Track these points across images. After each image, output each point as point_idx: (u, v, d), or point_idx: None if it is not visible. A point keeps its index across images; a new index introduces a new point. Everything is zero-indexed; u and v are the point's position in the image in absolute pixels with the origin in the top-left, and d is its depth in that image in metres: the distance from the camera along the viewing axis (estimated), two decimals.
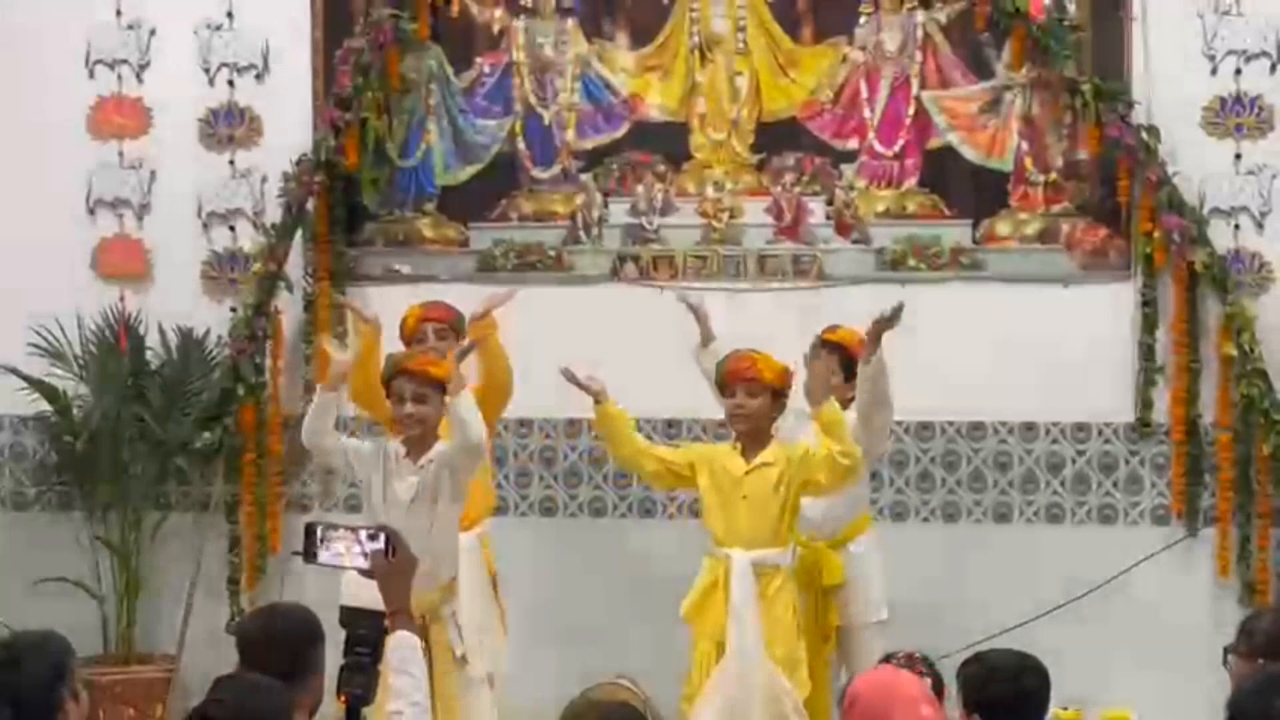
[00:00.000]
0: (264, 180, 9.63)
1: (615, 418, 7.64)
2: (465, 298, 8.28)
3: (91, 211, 9.78)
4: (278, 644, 5.02)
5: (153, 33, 9.76)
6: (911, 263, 9.25)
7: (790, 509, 7.49)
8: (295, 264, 9.55)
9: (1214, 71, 9.12)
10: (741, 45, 9.44)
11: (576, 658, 8.66)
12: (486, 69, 9.63)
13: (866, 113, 9.37)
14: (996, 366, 9.08)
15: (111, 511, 9.44)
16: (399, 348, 7.89)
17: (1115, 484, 9.22)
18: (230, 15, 9.69)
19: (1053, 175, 9.26)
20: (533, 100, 9.58)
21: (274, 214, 9.54)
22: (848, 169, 9.40)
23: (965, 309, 9.13)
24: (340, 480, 9.33)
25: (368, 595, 5.09)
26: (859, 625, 7.88)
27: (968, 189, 9.35)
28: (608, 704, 4.69)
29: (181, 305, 9.64)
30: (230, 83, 9.72)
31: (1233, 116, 9.10)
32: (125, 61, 9.78)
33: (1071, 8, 9.15)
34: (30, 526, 9.72)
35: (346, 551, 5.03)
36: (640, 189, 9.51)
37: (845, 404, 7.62)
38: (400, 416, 7.31)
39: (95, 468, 9.41)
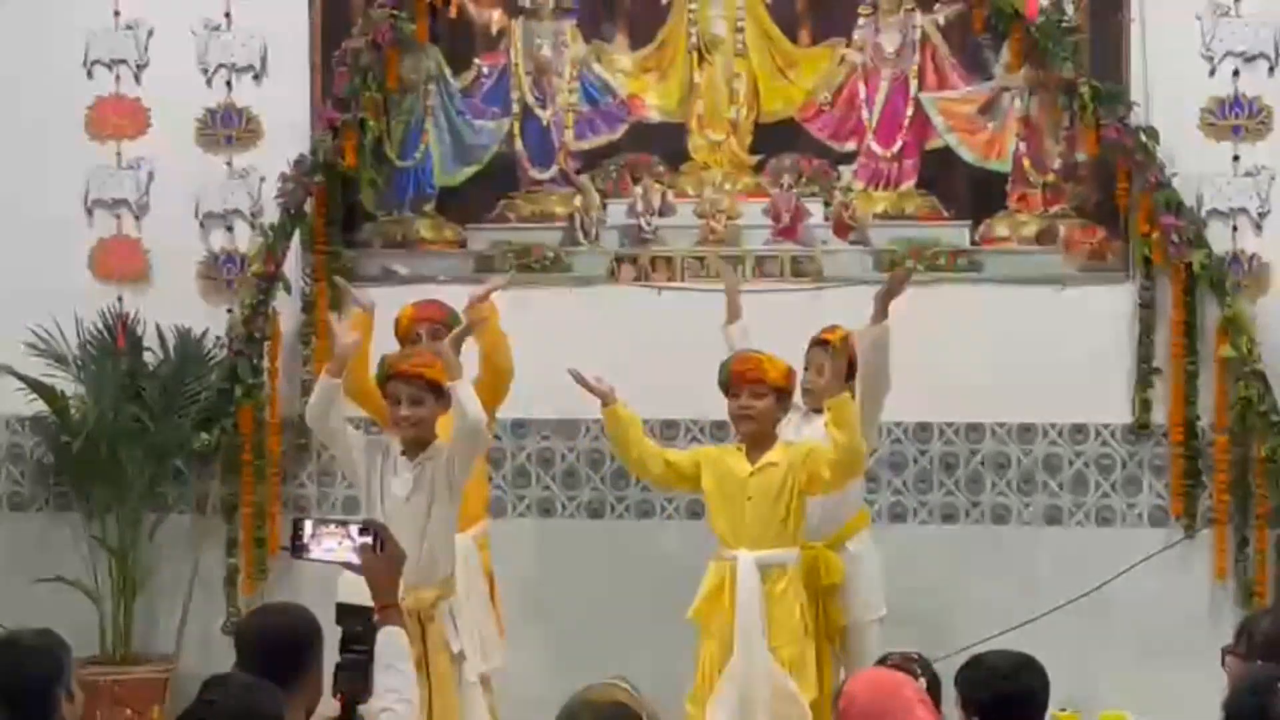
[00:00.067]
0: (262, 181, 9.63)
1: (624, 420, 7.63)
2: (463, 298, 8.27)
3: (89, 212, 9.78)
4: (273, 644, 5.01)
5: (151, 33, 9.76)
6: (910, 264, 9.24)
7: (796, 509, 7.49)
8: (293, 265, 9.54)
9: (1212, 73, 9.13)
10: (740, 46, 9.45)
11: (574, 658, 8.63)
12: (485, 70, 9.63)
13: (865, 114, 9.38)
14: (995, 368, 9.08)
15: (109, 512, 9.44)
16: (393, 346, 7.89)
17: (1113, 485, 9.22)
18: (228, 16, 9.69)
19: (1051, 177, 9.26)
20: (531, 101, 9.58)
21: (272, 215, 9.53)
22: (846, 170, 9.40)
23: (963, 310, 9.13)
24: (338, 481, 9.32)
25: (365, 593, 5.09)
26: (857, 623, 7.88)
27: (966, 190, 9.35)
28: (603, 704, 4.68)
29: (179, 306, 9.63)
30: (228, 83, 9.72)
31: (1231, 118, 9.11)
32: (123, 62, 9.78)
33: (1070, 9, 9.15)
34: (28, 527, 9.72)
35: (338, 547, 5.03)
36: (638, 190, 9.51)
37: None
38: (397, 419, 7.30)
39: (93, 468, 9.41)
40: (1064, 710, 8.63)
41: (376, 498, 7.26)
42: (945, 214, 9.36)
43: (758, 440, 7.57)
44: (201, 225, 9.73)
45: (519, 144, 9.58)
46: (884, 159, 9.38)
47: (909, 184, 9.38)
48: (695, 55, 9.48)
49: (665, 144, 9.50)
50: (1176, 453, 9.11)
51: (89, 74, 9.78)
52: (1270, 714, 4.49)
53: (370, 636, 4.95)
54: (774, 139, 9.44)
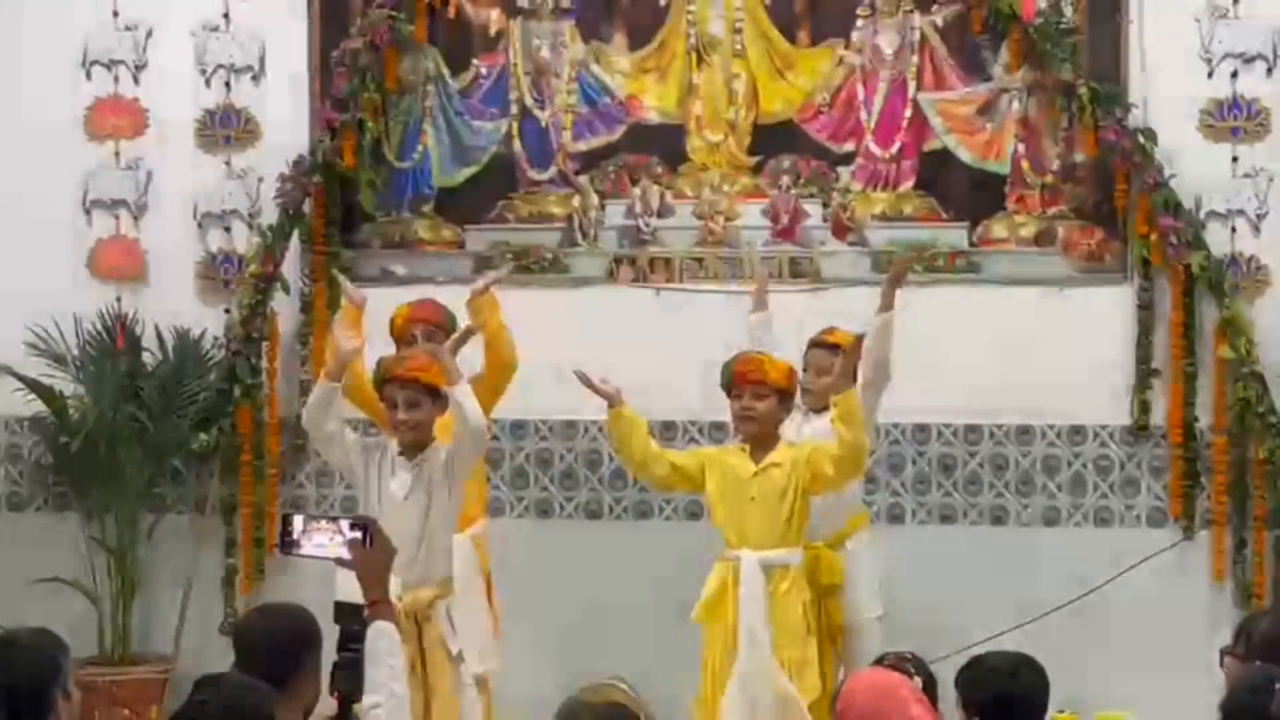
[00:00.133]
0: (260, 181, 9.63)
1: (629, 422, 7.63)
2: (462, 299, 8.26)
3: (88, 212, 9.78)
4: (269, 644, 5.01)
5: (149, 34, 9.75)
6: (911, 252, 9.22)
7: (800, 509, 7.49)
8: (292, 265, 9.54)
9: (1210, 74, 9.13)
10: (738, 47, 9.45)
11: (572, 659, 8.66)
12: (483, 70, 9.63)
13: (863, 115, 9.38)
14: (993, 369, 9.08)
15: (108, 512, 9.43)
16: (387, 345, 7.89)
17: (1112, 487, 9.22)
18: (227, 17, 9.69)
19: (1049, 178, 9.27)
20: (529, 102, 9.58)
21: (270, 215, 9.53)
22: (844, 171, 9.40)
23: (961, 311, 9.13)
24: (337, 481, 9.32)
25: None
26: (856, 623, 7.88)
27: (964, 191, 9.36)
28: (600, 705, 4.68)
29: (178, 306, 9.63)
30: (227, 84, 9.71)
31: (1229, 119, 9.11)
32: (122, 63, 9.77)
33: (1068, 11, 9.15)
34: (26, 527, 9.71)
35: (329, 542, 5.03)
36: (637, 191, 9.51)
37: None
38: (394, 423, 7.30)
39: (91, 469, 9.40)
40: (1062, 711, 8.62)
41: (374, 498, 7.26)
42: (944, 215, 9.36)
43: (761, 441, 7.57)
44: (200, 226, 9.72)
45: (517, 145, 9.58)
46: (882, 160, 9.38)
47: (907, 185, 9.38)
48: (694, 56, 9.48)
49: (664, 145, 9.50)
50: (1175, 454, 9.11)
51: (87, 74, 9.77)
52: (1268, 713, 4.49)
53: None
54: (772, 140, 9.45)
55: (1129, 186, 9.10)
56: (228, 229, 9.72)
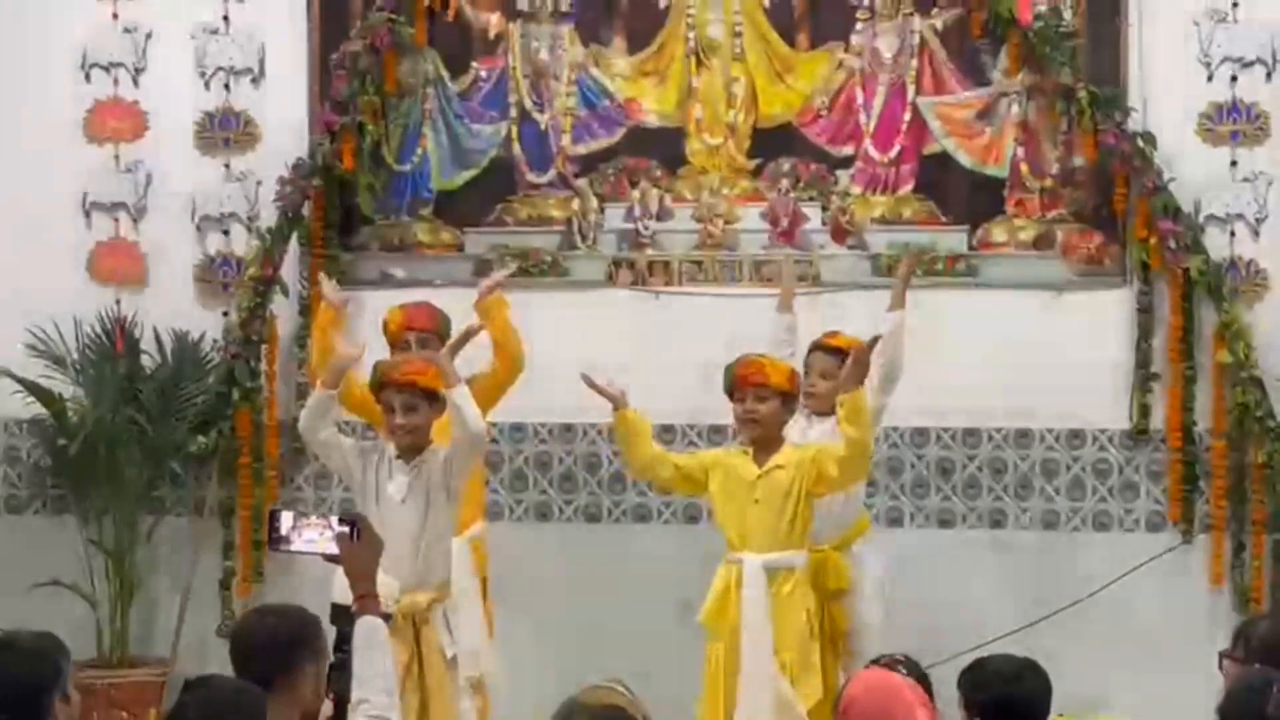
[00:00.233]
0: (259, 184, 9.63)
1: (635, 424, 7.64)
2: (461, 302, 8.27)
3: (87, 215, 9.78)
4: (260, 645, 4.99)
5: (149, 36, 9.76)
6: (913, 249, 9.22)
7: (803, 511, 7.50)
8: (291, 268, 9.54)
9: (1210, 78, 9.13)
10: (738, 51, 9.45)
11: (570, 661, 8.63)
12: (483, 74, 9.63)
13: (862, 118, 9.38)
14: (992, 373, 9.08)
15: (106, 515, 9.43)
16: (382, 347, 7.89)
17: (1110, 491, 9.22)
18: (226, 19, 9.69)
19: (1048, 182, 9.27)
20: (529, 105, 9.58)
21: (269, 218, 9.54)
22: (843, 175, 9.40)
23: (961, 315, 9.12)
24: (335, 483, 9.32)
25: None
26: (859, 626, 7.89)
27: (964, 195, 9.36)
28: (599, 707, 4.68)
29: (177, 309, 9.63)
30: (226, 86, 9.72)
31: (1229, 123, 9.11)
32: (121, 65, 9.78)
33: (1068, 14, 9.16)
34: (25, 529, 9.71)
35: (319, 538, 5.02)
36: (636, 194, 9.51)
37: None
38: (392, 427, 7.30)
39: (90, 471, 9.40)
40: (1061, 715, 8.61)
41: (372, 502, 7.26)
42: (943, 219, 9.36)
43: (764, 443, 7.58)
44: (199, 228, 9.73)
45: (517, 148, 9.58)
46: (882, 164, 9.38)
47: (906, 189, 9.38)
48: (693, 59, 9.48)
49: (663, 148, 9.50)
50: (1174, 458, 9.11)
51: (87, 77, 9.78)
52: (1264, 715, 4.50)
53: None
54: (772, 143, 9.45)
55: (1128, 190, 9.10)
56: (227, 232, 9.72)
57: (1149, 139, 9.03)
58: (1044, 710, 5.26)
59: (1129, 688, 8.83)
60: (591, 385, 7.60)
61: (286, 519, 5.06)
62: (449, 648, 7.28)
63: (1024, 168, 9.27)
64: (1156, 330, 9.13)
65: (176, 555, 9.54)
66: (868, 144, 9.38)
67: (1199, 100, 9.12)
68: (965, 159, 9.32)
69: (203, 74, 9.72)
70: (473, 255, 9.57)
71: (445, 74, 9.63)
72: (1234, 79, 9.12)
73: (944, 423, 9.25)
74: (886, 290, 8.60)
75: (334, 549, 5.02)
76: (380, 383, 7.31)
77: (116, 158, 9.77)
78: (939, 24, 9.34)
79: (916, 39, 9.34)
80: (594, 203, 9.53)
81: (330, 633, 5.07)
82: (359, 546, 5.00)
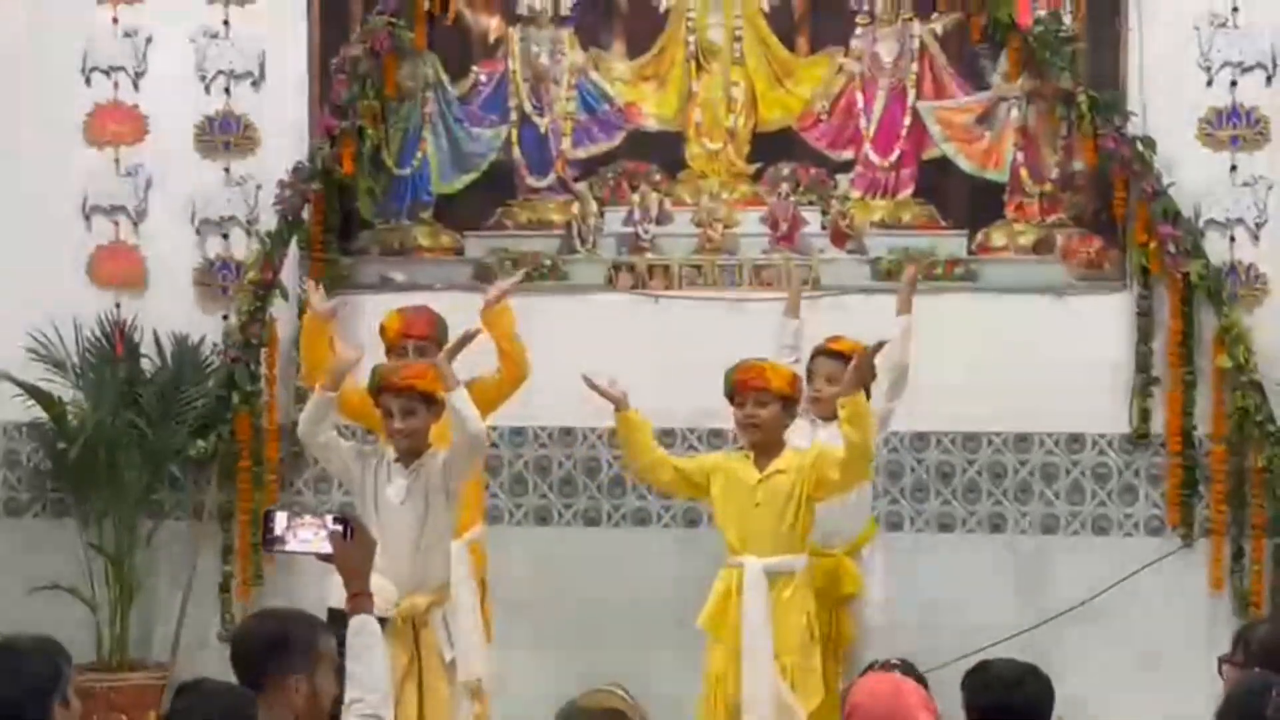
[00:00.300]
0: (259, 188, 9.63)
1: (636, 426, 7.64)
2: (460, 306, 8.27)
3: (87, 218, 9.78)
4: (251, 648, 4.99)
5: (149, 40, 9.76)
6: (915, 257, 9.22)
7: (804, 515, 7.50)
8: (291, 272, 9.54)
9: (1210, 83, 9.13)
10: (738, 55, 9.45)
11: (570, 665, 8.64)
12: (483, 78, 9.63)
13: (862, 123, 9.38)
14: (991, 377, 9.08)
15: (106, 518, 9.43)
16: (379, 352, 7.89)
17: (1110, 495, 9.22)
18: (226, 23, 9.70)
19: (1048, 186, 9.27)
20: (529, 109, 9.58)
21: (269, 222, 9.54)
22: (843, 179, 9.40)
23: (960, 319, 9.12)
24: (335, 487, 9.32)
25: None
26: (866, 630, 7.89)
27: (963, 199, 9.36)
28: (598, 710, 4.69)
29: (177, 312, 9.64)
30: (226, 90, 9.72)
31: (1228, 128, 9.11)
32: (122, 69, 9.78)
33: (1067, 19, 9.16)
34: (24, 533, 9.71)
35: (314, 538, 5.01)
36: (636, 198, 9.51)
37: None
38: (391, 431, 7.31)
39: (90, 475, 9.40)
40: (1061, 718, 8.61)
41: (371, 505, 7.26)
42: (942, 223, 9.36)
43: (765, 448, 7.58)
44: (198, 232, 9.73)
45: (516, 152, 9.58)
46: (881, 168, 9.38)
47: (906, 193, 9.38)
48: (693, 64, 9.48)
49: (663, 152, 9.51)
50: (1174, 462, 9.11)
51: (87, 81, 9.78)
52: (1264, 718, 4.50)
53: None
54: (771, 147, 9.45)
55: (1128, 194, 9.10)
56: (226, 235, 9.72)
57: (1149, 143, 9.03)
58: (1046, 716, 5.26)
59: (1128, 692, 8.84)
60: (593, 386, 7.61)
61: (281, 519, 5.06)
62: (447, 651, 7.29)
63: (1024, 172, 9.27)
64: (1156, 334, 9.13)
65: (176, 559, 9.54)
66: (867, 148, 9.38)
67: (1199, 105, 9.12)
68: (965, 163, 9.33)
69: (203, 78, 9.73)
70: (472, 259, 9.58)
71: (445, 78, 9.63)
72: (1234, 83, 9.12)
73: (944, 427, 9.25)
74: (886, 294, 8.63)
75: (328, 548, 5.01)
76: (379, 387, 7.31)
77: (117, 161, 9.78)
78: (939, 28, 9.34)
79: (916, 43, 9.35)
80: (594, 207, 9.53)
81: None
82: (352, 545, 5.00)
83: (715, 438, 8.97)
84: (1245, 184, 9.12)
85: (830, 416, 7.69)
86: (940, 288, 9.20)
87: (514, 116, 9.59)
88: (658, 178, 9.50)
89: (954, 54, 9.35)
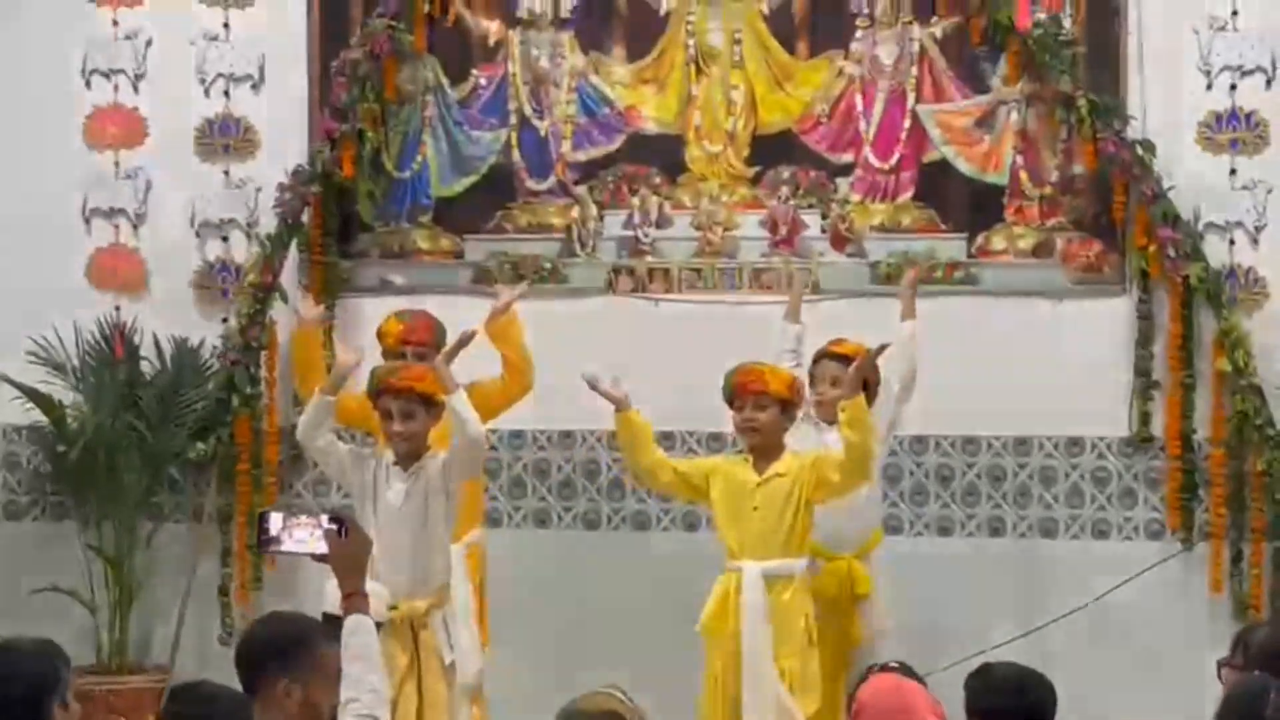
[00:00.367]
0: (259, 191, 9.63)
1: (637, 427, 7.65)
2: (460, 309, 8.27)
3: (87, 221, 9.78)
4: (246, 651, 4.99)
5: (149, 43, 9.76)
6: (916, 261, 9.22)
7: (802, 519, 7.50)
8: (290, 275, 9.54)
9: (1209, 86, 9.13)
10: (737, 58, 9.45)
11: (569, 668, 8.63)
12: (483, 81, 9.63)
13: (862, 126, 9.38)
14: (991, 380, 9.07)
15: (105, 521, 9.43)
16: (376, 357, 7.89)
17: (1109, 498, 9.22)
18: (226, 26, 9.70)
19: (1048, 189, 9.27)
20: (528, 112, 9.58)
21: (269, 225, 9.54)
22: (843, 182, 9.41)
23: (960, 323, 9.12)
24: (334, 490, 9.32)
25: None
26: (874, 633, 7.89)
27: (963, 203, 9.36)
28: (597, 713, 4.69)
29: (176, 315, 9.63)
30: (226, 93, 9.72)
31: (1228, 131, 9.11)
32: (122, 71, 9.78)
33: (1067, 22, 9.16)
34: (24, 536, 9.71)
35: (309, 538, 5.01)
36: (636, 201, 9.51)
37: None
38: (389, 434, 7.31)
39: (89, 477, 9.40)
40: None
41: (370, 508, 7.26)
42: (942, 226, 9.36)
43: (764, 451, 7.58)
44: (198, 235, 9.73)
45: (516, 155, 9.58)
46: (881, 171, 9.39)
47: (906, 196, 9.38)
48: (693, 67, 9.48)
49: (663, 155, 9.51)
50: (1173, 466, 9.10)
51: (87, 83, 9.78)
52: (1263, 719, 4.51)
53: None
54: (771, 151, 9.45)
55: (1127, 198, 9.10)
56: (226, 238, 9.72)
57: (1148, 147, 9.03)
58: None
59: (1128, 695, 8.83)
60: (594, 387, 7.61)
61: (276, 520, 5.05)
62: (447, 653, 7.28)
63: (1023, 175, 9.27)
64: (1156, 338, 9.13)
65: (175, 561, 9.53)
66: (867, 151, 9.38)
67: (1198, 108, 9.12)
68: (965, 166, 9.33)
69: (203, 80, 9.73)
70: (472, 262, 9.58)
71: (445, 81, 9.63)
72: (1233, 87, 9.12)
73: (943, 430, 9.25)
74: (885, 298, 8.66)
75: (324, 548, 5.00)
76: (378, 389, 7.32)
77: (116, 164, 9.78)
78: (938, 32, 9.35)
79: (916, 46, 9.35)
80: (593, 210, 9.53)
81: None
82: (347, 544, 4.99)
83: (715, 441, 8.97)
84: (1245, 187, 9.11)
85: (836, 420, 7.69)
86: (940, 291, 9.19)
87: (514, 120, 9.59)
88: (657, 181, 9.51)
89: (954, 57, 9.35)
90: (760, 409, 7.54)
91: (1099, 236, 9.24)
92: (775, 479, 7.51)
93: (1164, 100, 9.12)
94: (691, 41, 9.46)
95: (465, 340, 7.50)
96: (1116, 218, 9.17)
